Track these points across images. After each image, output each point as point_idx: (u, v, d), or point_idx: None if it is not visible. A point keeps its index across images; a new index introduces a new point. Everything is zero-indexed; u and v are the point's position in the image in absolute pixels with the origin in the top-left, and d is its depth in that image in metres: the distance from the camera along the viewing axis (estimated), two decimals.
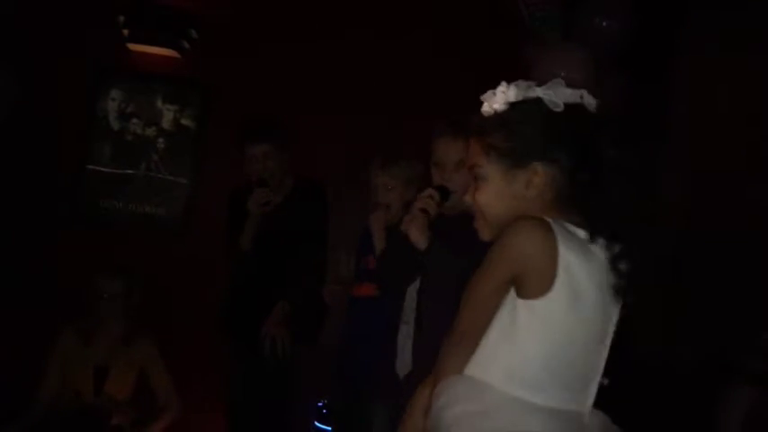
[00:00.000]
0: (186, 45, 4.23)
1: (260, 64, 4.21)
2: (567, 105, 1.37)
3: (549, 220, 1.33)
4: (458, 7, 4.17)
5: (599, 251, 1.36)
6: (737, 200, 2.71)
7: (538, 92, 1.38)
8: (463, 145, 2.20)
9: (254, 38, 4.24)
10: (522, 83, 1.40)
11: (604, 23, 3.43)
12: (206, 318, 3.57)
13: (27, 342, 3.52)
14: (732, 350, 2.59)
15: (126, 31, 4.17)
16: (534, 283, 1.32)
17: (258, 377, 3.21)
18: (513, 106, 1.40)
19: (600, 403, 1.42)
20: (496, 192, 1.42)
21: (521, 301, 1.33)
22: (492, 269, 1.36)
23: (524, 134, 1.38)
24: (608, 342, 1.41)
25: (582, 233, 1.36)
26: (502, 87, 1.41)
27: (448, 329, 1.43)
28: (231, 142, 3.34)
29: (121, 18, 4.15)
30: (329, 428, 3.69)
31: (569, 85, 1.39)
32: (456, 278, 2.15)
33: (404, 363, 2.40)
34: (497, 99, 1.41)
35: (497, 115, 1.41)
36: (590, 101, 1.40)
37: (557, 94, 1.37)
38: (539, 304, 1.32)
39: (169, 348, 3.44)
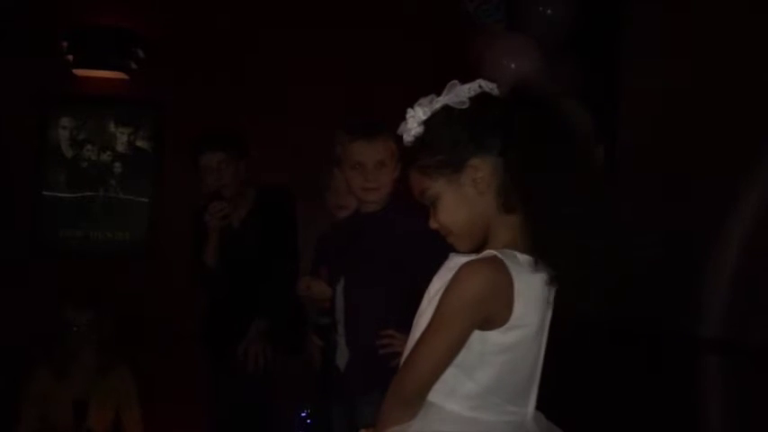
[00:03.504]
0: (134, 65, 4.19)
1: (211, 79, 4.18)
2: (472, 99, 1.40)
3: (499, 254, 1.34)
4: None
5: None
6: (681, 185, 2.73)
7: (442, 101, 1.42)
8: (382, 145, 2.40)
9: (203, 53, 4.21)
10: (423, 99, 1.44)
11: (548, 11, 3.49)
12: (179, 338, 3.55)
13: None
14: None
15: (71, 57, 4.12)
16: (495, 319, 1.34)
17: (240, 393, 3.20)
18: (426, 123, 1.43)
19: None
20: (452, 204, 1.43)
21: (476, 332, 1.35)
22: (453, 320, 1.34)
23: (446, 142, 1.41)
24: (544, 347, 1.45)
25: (526, 258, 1.36)
26: (409, 113, 1.45)
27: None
28: (188, 160, 3.31)
29: (65, 44, 4.10)
30: None
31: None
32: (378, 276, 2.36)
33: (342, 355, 2.49)
34: (410, 125, 1.45)
35: (418, 138, 1.45)
36: (489, 86, 1.43)
37: (458, 95, 1.41)
38: (493, 335, 1.35)
39: (144, 373, 3.41)
